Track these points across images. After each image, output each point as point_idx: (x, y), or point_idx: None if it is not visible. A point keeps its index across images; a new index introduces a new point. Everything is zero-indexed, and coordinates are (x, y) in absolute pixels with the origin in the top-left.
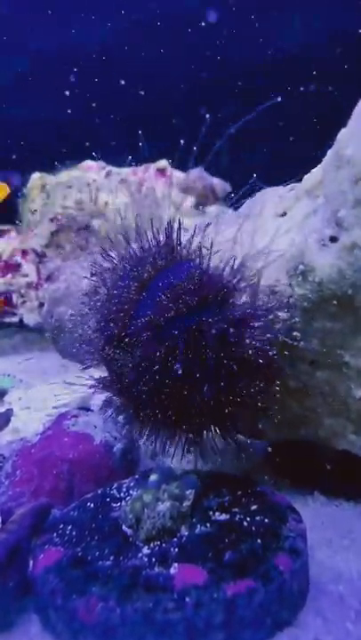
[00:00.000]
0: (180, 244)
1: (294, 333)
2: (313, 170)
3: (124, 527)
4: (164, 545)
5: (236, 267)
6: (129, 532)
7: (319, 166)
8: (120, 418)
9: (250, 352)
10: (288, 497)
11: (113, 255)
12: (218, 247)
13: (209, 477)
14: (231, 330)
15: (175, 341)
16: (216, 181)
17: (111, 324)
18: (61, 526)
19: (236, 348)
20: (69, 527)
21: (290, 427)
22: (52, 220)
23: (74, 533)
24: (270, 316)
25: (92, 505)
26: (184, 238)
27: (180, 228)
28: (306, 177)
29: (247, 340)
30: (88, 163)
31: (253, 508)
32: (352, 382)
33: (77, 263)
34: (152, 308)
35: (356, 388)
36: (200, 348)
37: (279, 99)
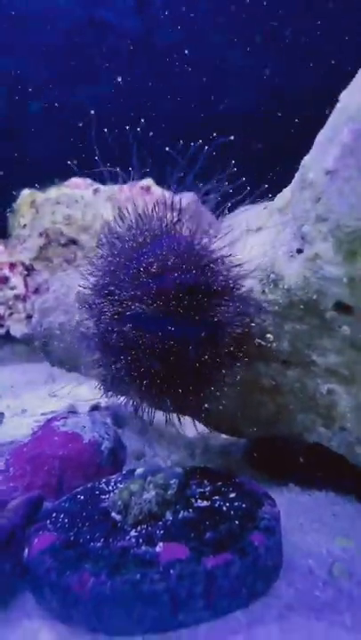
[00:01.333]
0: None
1: (267, 335)
2: (284, 190)
3: (112, 514)
4: (150, 528)
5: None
6: (118, 517)
7: (288, 187)
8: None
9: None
10: (265, 488)
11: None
12: None
13: (192, 471)
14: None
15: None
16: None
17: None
18: (54, 515)
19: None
20: (62, 515)
21: (266, 424)
22: (41, 234)
23: (66, 521)
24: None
25: (82, 497)
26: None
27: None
28: (278, 196)
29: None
30: (75, 180)
31: (232, 495)
32: (319, 379)
33: (66, 276)
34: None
35: (323, 384)
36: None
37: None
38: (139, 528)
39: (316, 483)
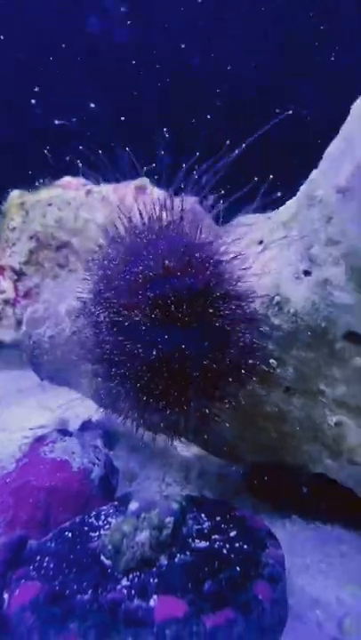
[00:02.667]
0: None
1: (271, 361)
2: (288, 202)
3: (102, 558)
4: (143, 576)
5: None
6: (108, 562)
7: (294, 199)
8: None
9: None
10: (266, 520)
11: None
12: None
13: (188, 502)
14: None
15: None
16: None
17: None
18: (38, 558)
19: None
20: (46, 559)
21: (268, 452)
22: (31, 237)
23: (51, 566)
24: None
25: (69, 535)
26: None
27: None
28: (281, 209)
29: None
30: (67, 179)
31: (233, 534)
32: (327, 409)
33: (57, 284)
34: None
35: (331, 415)
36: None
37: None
38: (131, 576)
39: (321, 515)
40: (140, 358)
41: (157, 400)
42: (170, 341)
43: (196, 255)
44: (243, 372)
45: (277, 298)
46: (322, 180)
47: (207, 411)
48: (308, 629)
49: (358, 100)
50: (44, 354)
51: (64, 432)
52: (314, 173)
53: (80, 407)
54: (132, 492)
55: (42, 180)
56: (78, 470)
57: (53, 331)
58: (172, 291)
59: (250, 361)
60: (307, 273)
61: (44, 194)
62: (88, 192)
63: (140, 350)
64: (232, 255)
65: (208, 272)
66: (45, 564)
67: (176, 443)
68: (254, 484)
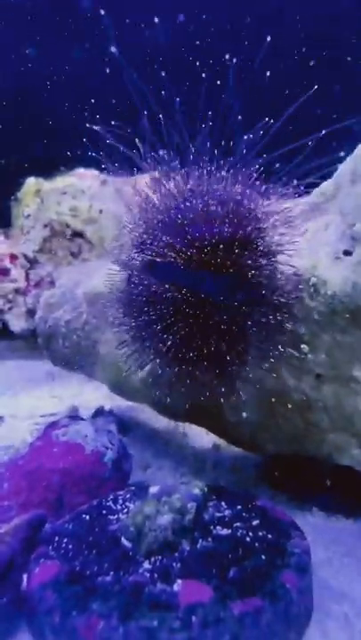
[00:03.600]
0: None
1: (302, 346)
2: (323, 183)
3: (123, 540)
4: (165, 560)
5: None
6: (129, 545)
7: (330, 180)
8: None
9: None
10: (286, 512)
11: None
12: None
13: (207, 490)
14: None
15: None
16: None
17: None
18: (57, 539)
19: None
20: (65, 540)
21: (291, 441)
22: (45, 225)
23: (70, 547)
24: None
25: (87, 517)
26: None
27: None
28: (315, 191)
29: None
30: (80, 170)
31: (255, 523)
32: (359, 397)
33: (75, 268)
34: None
35: None
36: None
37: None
38: (153, 559)
39: (343, 509)
40: (167, 300)
41: (179, 348)
42: (200, 285)
43: (241, 208)
44: (270, 334)
45: (313, 279)
46: None
47: (228, 367)
48: (337, 623)
49: None
50: (59, 337)
51: (76, 418)
52: (356, 152)
53: (92, 397)
54: (148, 480)
55: (62, 168)
56: (92, 453)
57: (70, 315)
58: (210, 234)
59: (280, 322)
60: (347, 253)
61: (60, 182)
62: (103, 182)
63: (169, 292)
64: (276, 219)
65: (250, 227)
66: (64, 545)
67: (190, 431)
68: (274, 475)
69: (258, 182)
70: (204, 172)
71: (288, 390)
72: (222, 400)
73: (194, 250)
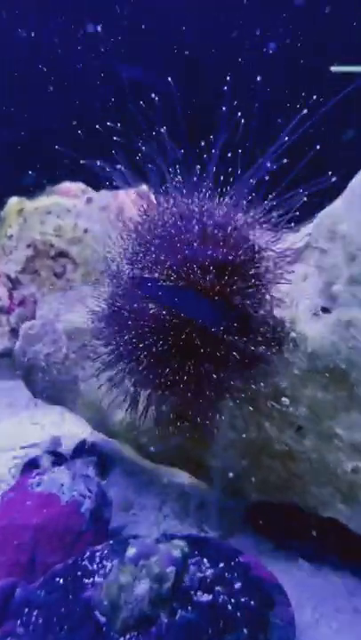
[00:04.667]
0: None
1: (283, 399)
2: (302, 229)
3: (97, 613)
4: (141, 636)
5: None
6: (103, 620)
7: (310, 226)
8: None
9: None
10: (271, 563)
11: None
12: None
13: (190, 546)
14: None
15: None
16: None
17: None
18: (26, 611)
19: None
20: (35, 613)
21: (274, 489)
22: (28, 245)
23: (40, 621)
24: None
25: (61, 581)
26: None
27: None
28: (294, 237)
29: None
30: (66, 184)
31: (237, 585)
32: (343, 454)
33: (56, 297)
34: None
35: (348, 460)
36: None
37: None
38: (128, 636)
39: (330, 560)
40: (150, 317)
41: (156, 367)
42: (186, 305)
43: (239, 236)
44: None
45: (293, 334)
46: (346, 215)
47: (205, 394)
48: None
49: None
50: (39, 371)
51: (55, 455)
52: (337, 206)
53: (74, 424)
54: (129, 534)
55: (44, 181)
56: (67, 504)
57: (50, 348)
58: (204, 256)
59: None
60: (326, 310)
61: (43, 201)
62: (88, 200)
63: (153, 309)
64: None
65: (245, 255)
66: (34, 619)
67: (174, 470)
68: (257, 519)
69: (259, 214)
70: (207, 194)
71: (270, 440)
72: (200, 436)
73: (185, 269)
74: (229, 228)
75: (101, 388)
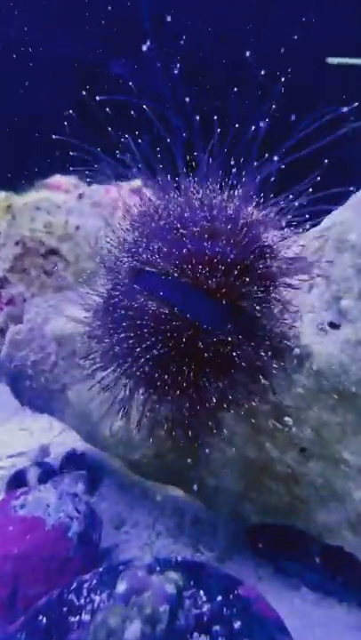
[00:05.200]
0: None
1: (285, 419)
2: (307, 232)
3: None
4: None
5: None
6: None
7: (316, 231)
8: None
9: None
10: (272, 591)
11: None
12: None
13: (185, 576)
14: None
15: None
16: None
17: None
18: None
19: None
20: None
21: (275, 512)
22: (17, 242)
23: None
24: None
25: (44, 620)
26: None
27: None
28: (300, 242)
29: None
30: (57, 178)
31: (237, 625)
32: (351, 482)
33: (44, 301)
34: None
35: (357, 488)
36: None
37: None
38: None
39: (335, 590)
40: (149, 315)
41: (154, 370)
42: (188, 304)
43: (250, 233)
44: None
45: (297, 350)
46: (355, 224)
47: (205, 402)
48: None
49: None
50: (26, 379)
51: (43, 466)
52: (345, 214)
53: (63, 431)
54: (120, 559)
55: (36, 170)
56: (53, 528)
57: (37, 355)
58: (212, 251)
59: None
60: (334, 325)
61: (33, 197)
62: (80, 196)
63: (153, 307)
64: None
65: (256, 255)
66: None
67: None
68: (258, 545)
69: (273, 212)
70: (217, 186)
71: (271, 460)
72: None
73: (190, 265)
74: (240, 223)
75: (93, 400)
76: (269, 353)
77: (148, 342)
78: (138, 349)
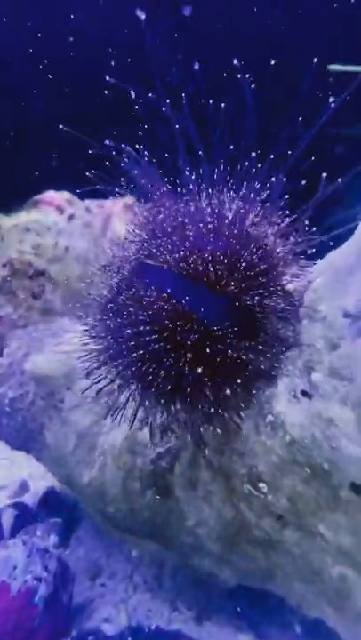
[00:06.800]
0: None
1: (260, 485)
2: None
3: None
4: None
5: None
6: None
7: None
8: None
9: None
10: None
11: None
12: None
13: None
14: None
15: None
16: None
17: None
18: None
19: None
20: None
21: (254, 577)
22: (4, 264)
23: None
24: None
25: None
26: None
27: None
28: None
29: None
30: (50, 193)
31: None
32: (329, 557)
33: (26, 333)
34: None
35: (334, 564)
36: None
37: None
38: None
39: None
40: (151, 310)
41: (149, 363)
42: (190, 297)
43: (256, 232)
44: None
45: (270, 417)
46: (325, 294)
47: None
48: None
49: None
50: (3, 416)
51: (19, 507)
52: (317, 283)
53: (41, 467)
54: (91, 627)
55: (22, 202)
56: (18, 594)
57: (15, 392)
58: (216, 246)
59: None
60: (305, 393)
61: (23, 218)
62: (70, 217)
63: (156, 301)
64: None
65: (261, 254)
66: None
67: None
68: (241, 590)
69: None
70: (224, 191)
71: (248, 524)
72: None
73: (193, 258)
74: (247, 223)
75: (69, 445)
76: (266, 354)
77: (147, 338)
78: (135, 345)
